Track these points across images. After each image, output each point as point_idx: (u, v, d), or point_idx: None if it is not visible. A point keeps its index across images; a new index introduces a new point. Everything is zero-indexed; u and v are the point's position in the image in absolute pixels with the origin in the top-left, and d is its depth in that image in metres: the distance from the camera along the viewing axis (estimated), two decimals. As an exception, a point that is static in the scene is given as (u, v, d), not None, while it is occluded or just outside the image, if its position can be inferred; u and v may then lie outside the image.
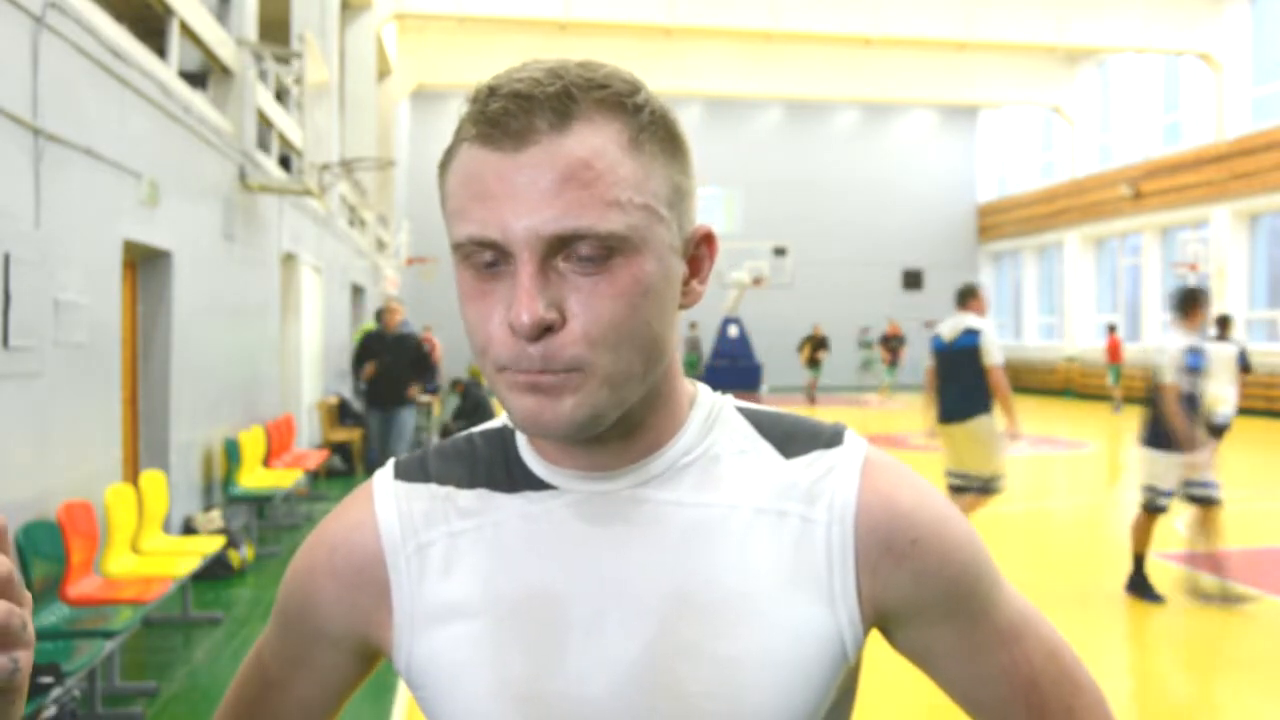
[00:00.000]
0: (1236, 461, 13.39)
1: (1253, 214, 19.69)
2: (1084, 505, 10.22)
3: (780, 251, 26.66)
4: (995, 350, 6.32)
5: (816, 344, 23.48)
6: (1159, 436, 5.87)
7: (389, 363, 9.38)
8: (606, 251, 0.70)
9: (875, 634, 0.83)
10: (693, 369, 24.19)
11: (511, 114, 0.70)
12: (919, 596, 0.79)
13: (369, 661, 0.88)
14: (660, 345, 0.75)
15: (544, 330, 0.70)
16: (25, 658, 0.61)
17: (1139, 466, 6.16)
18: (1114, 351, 20.31)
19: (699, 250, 0.80)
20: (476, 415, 13.93)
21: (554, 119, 0.70)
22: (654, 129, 0.74)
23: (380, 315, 9.86)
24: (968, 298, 6.56)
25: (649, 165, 0.73)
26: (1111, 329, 20.98)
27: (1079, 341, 24.74)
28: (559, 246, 0.70)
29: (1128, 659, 5.20)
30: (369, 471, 11.06)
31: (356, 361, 9.60)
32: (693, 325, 25.86)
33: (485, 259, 0.72)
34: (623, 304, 0.71)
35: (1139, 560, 6.10)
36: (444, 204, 0.75)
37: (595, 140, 0.70)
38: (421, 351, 9.66)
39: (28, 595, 0.65)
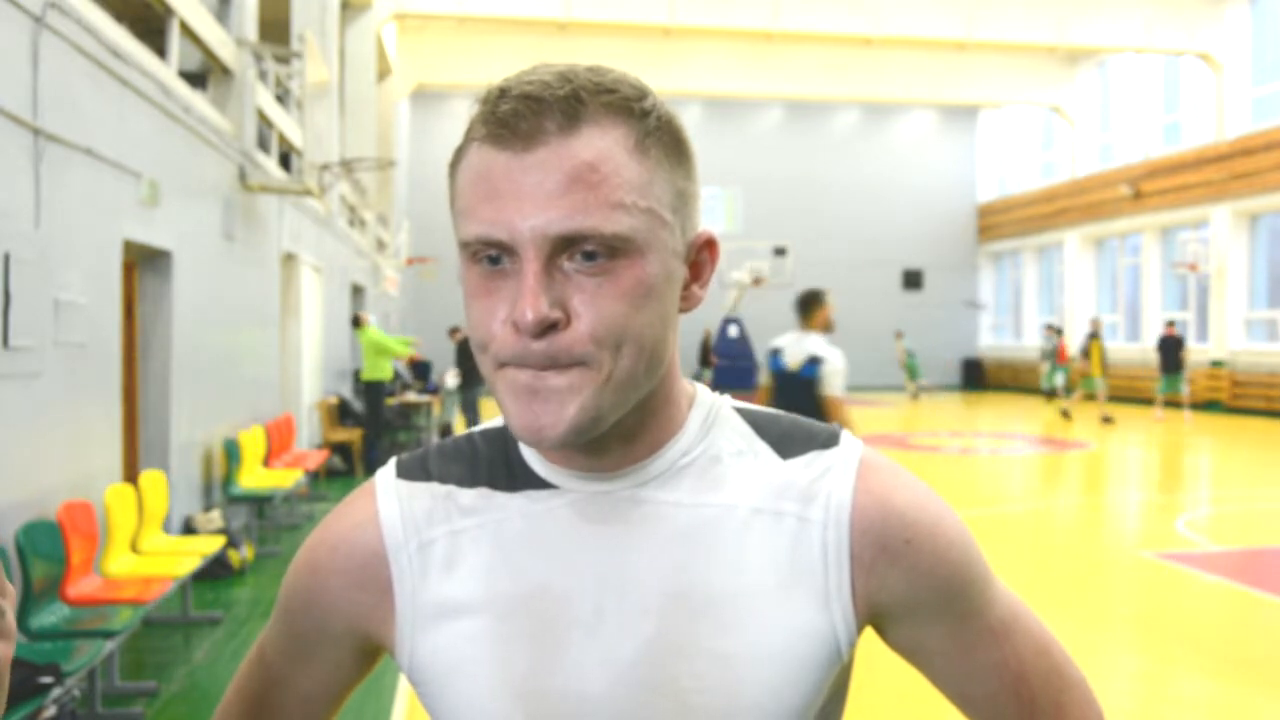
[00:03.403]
0: (1237, 461, 13.40)
1: (1253, 214, 19.69)
2: (1084, 505, 10.23)
3: (780, 251, 26.66)
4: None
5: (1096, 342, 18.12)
6: None
7: None
8: (610, 253, 0.71)
9: (868, 630, 0.84)
10: None
11: (521, 115, 0.71)
12: (912, 595, 0.80)
13: (371, 658, 0.89)
14: (661, 348, 0.76)
15: (548, 328, 0.71)
16: (5, 649, 0.62)
17: None
18: (1062, 354, 20.63)
19: (701, 255, 0.81)
20: (465, 363, 14.04)
21: (562, 121, 0.71)
22: (660, 134, 0.75)
23: None
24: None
25: (654, 170, 0.74)
26: (1059, 332, 21.10)
27: (1079, 341, 24.74)
28: (564, 247, 0.71)
29: (1126, 659, 5.20)
30: (369, 472, 11.07)
31: None
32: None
33: (492, 257, 0.73)
34: (625, 305, 0.72)
35: None
36: (452, 203, 0.76)
37: (602, 143, 0.72)
38: None
39: (10, 587, 0.66)
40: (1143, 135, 23.32)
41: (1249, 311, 19.75)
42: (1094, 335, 18.16)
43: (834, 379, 5.08)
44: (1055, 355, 20.71)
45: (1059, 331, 21.08)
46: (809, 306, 5.31)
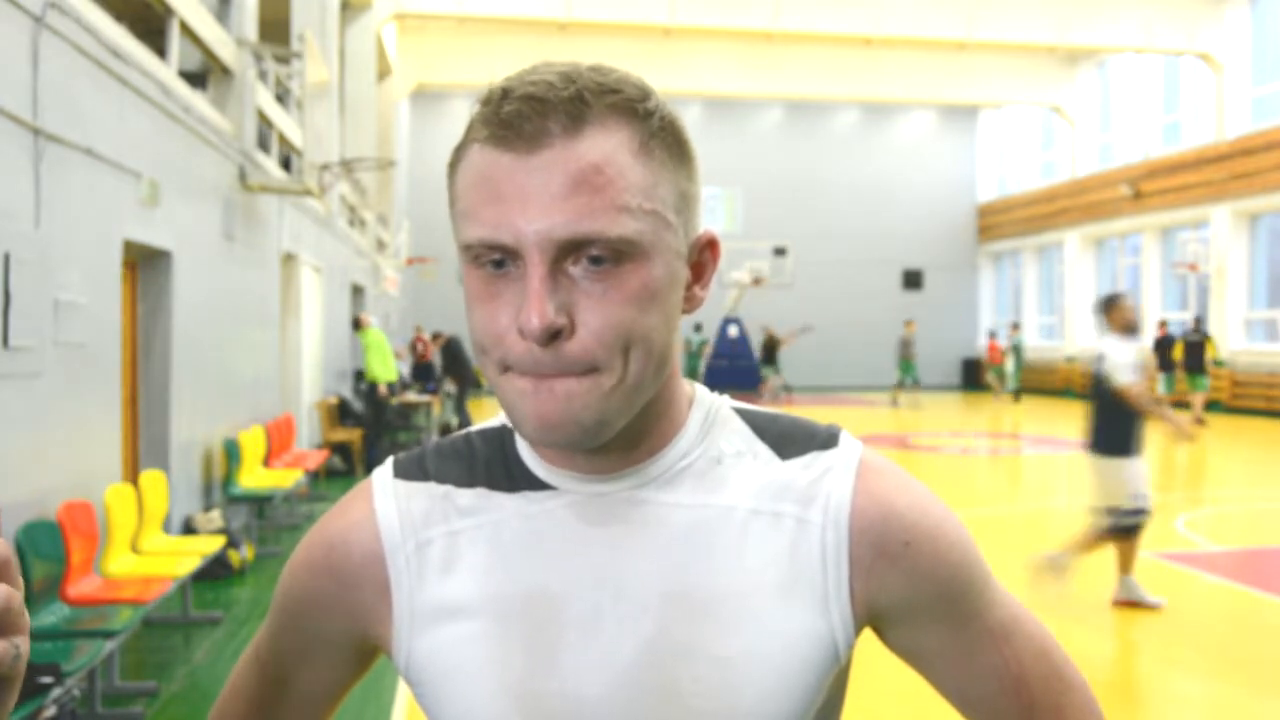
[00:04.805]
0: (1237, 461, 13.39)
1: (1253, 214, 19.67)
2: (1083, 505, 10.20)
3: (780, 251, 26.64)
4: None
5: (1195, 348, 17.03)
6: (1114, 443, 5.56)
7: None
8: (616, 256, 0.71)
9: (867, 632, 0.83)
10: (902, 368, 23.01)
11: (525, 116, 0.70)
12: (911, 598, 0.80)
13: (367, 659, 0.89)
14: (665, 350, 0.76)
15: (553, 335, 0.70)
16: (24, 644, 0.62)
17: (1100, 480, 5.72)
18: (994, 353, 23.75)
19: (703, 256, 0.80)
20: (455, 367, 14.04)
21: (567, 122, 0.70)
22: (663, 135, 0.74)
23: None
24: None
25: (658, 171, 0.73)
26: (992, 335, 24.72)
27: (1079, 341, 24.72)
28: (569, 250, 0.70)
29: (1126, 659, 5.20)
30: (369, 472, 11.06)
31: None
32: (909, 325, 23.70)
33: (495, 261, 0.72)
34: (630, 310, 0.71)
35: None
36: (453, 204, 0.75)
37: (607, 145, 0.71)
38: None
39: (20, 581, 0.66)
40: (1143, 135, 23.30)
41: (1249, 311, 19.74)
42: (1196, 341, 17.46)
43: (1117, 372, 5.46)
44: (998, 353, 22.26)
45: (992, 335, 24.15)
46: (1105, 310, 5.76)
